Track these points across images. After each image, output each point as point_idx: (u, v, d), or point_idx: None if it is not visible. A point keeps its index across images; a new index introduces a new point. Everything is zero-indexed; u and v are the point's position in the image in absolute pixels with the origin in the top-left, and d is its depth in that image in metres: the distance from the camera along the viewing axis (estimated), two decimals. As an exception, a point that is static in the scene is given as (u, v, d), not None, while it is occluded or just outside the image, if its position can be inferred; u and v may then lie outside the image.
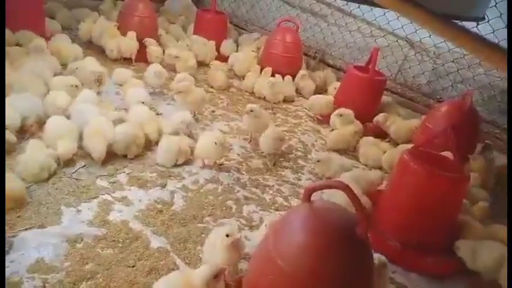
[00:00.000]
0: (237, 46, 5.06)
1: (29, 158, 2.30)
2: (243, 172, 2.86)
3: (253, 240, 2.15)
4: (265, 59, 4.58)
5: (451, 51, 4.05)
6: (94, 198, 2.29)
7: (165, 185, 2.54)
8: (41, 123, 2.69)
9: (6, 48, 3.49)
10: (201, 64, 4.45)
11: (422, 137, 3.20)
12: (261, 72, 4.35)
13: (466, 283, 2.24)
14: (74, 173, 2.45)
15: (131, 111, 2.98)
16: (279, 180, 2.87)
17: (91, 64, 3.50)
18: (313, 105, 3.91)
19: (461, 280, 2.25)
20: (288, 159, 3.16)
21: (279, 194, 2.71)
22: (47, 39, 3.82)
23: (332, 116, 3.61)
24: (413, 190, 2.27)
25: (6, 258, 1.81)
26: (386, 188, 2.51)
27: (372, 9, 4.46)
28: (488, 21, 2.99)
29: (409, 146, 2.84)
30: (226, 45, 4.89)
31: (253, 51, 4.70)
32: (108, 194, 2.35)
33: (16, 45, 3.63)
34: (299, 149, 3.36)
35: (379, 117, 3.63)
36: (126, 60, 4.22)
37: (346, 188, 1.45)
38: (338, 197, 2.11)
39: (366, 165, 3.26)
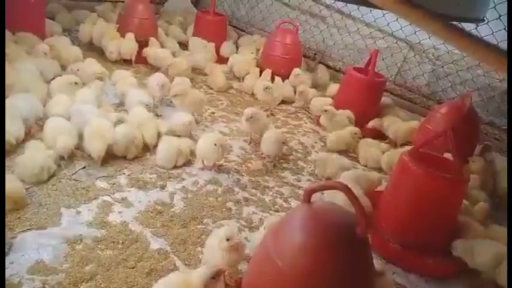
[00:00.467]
0: (237, 48, 5.07)
1: (29, 159, 2.30)
2: (243, 173, 2.86)
3: (252, 242, 2.15)
4: (265, 60, 4.59)
5: (450, 53, 4.06)
6: (94, 199, 2.29)
7: (165, 186, 2.54)
8: (40, 124, 2.69)
9: (6, 49, 3.51)
10: (195, 69, 4.42)
11: (421, 138, 3.21)
12: (260, 75, 4.35)
13: (466, 284, 2.24)
14: (73, 174, 2.45)
15: (131, 112, 2.99)
16: (279, 181, 2.87)
17: (92, 65, 3.50)
18: (314, 107, 3.91)
19: (461, 281, 2.25)
20: (287, 160, 3.16)
21: (278, 196, 2.71)
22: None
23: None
24: (412, 191, 2.27)
25: (5, 259, 1.81)
26: (386, 189, 2.52)
27: (371, 11, 4.47)
28: (487, 23, 3.00)
29: (409, 147, 2.85)
30: (226, 47, 4.90)
31: (252, 53, 4.71)
32: (107, 195, 2.35)
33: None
34: (299, 150, 3.36)
35: (374, 122, 3.65)
36: (126, 62, 4.23)
37: (345, 189, 1.45)
38: (338, 198, 2.11)
39: (365, 166, 3.26)
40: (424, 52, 4.32)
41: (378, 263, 1.77)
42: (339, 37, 4.98)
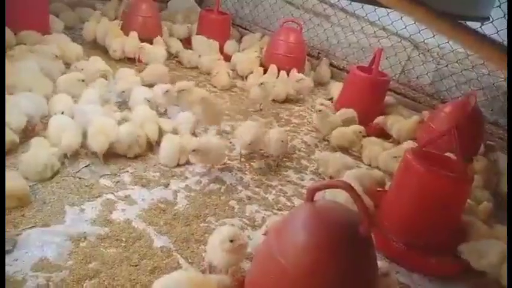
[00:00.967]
0: (240, 46, 5.07)
1: (32, 156, 2.30)
2: (246, 172, 2.86)
3: (255, 240, 2.15)
4: (268, 59, 4.58)
5: (454, 52, 4.05)
6: (97, 197, 2.30)
7: (168, 184, 2.55)
8: (45, 122, 2.70)
9: (10, 48, 3.53)
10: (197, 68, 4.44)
11: (425, 137, 3.20)
12: (264, 73, 4.34)
13: (470, 284, 2.23)
14: (77, 172, 2.46)
15: (134, 111, 2.99)
16: (282, 180, 2.87)
17: (96, 63, 3.52)
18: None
19: (465, 281, 2.24)
20: (291, 159, 3.15)
21: (282, 194, 2.71)
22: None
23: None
24: (416, 190, 2.26)
25: (10, 256, 1.82)
26: (390, 188, 2.51)
27: (375, 10, 4.46)
28: (492, 22, 2.98)
29: (412, 145, 2.85)
30: (230, 46, 4.90)
31: (255, 51, 4.71)
32: (111, 193, 2.35)
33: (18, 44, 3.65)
34: (302, 149, 3.36)
35: (378, 120, 3.65)
36: (129, 60, 4.24)
37: (348, 188, 1.44)
38: (340, 197, 2.11)
39: (369, 165, 3.25)
40: (428, 51, 4.31)
41: (381, 262, 1.76)
42: (342, 36, 4.98)
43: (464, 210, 2.40)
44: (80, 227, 2.05)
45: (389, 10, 3.84)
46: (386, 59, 4.36)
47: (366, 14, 4.66)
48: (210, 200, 2.50)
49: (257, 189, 2.70)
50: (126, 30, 4.32)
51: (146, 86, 3.40)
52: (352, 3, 4.67)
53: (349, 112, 3.61)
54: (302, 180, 2.93)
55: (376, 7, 4.16)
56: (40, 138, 2.49)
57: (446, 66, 4.17)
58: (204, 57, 4.48)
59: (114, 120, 2.72)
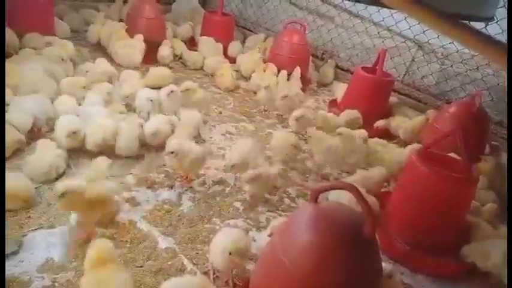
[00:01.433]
0: (244, 47, 5.08)
1: (38, 158, 2.32)
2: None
3: (260, 241, 2.16)
4: (272, 60, 4.58)
5: (459, 52, 4.03)
6: (103, 198, 2.31)
7: (173, 186, 2.55)
8: (51, 124, 2.71)
9: (14, 51, 3.56)
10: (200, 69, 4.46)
11: (430, 137, 3.18)
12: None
13: (475, 284, 2.22)
14: (82, 174, 2.47)
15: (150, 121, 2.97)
16: (286, 181, 2.87)
17: (101, 66, 3.54)
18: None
19: (469, 281, 2.23)
20: (295, 160, 3.14)
21: (286, 195, 2.71)
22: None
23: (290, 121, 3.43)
24: (421, 191, 2.25)
25: (15, 258, 1.83)
26: (394, 189, 2.50)
27: (379, 10, 4.45)
28: (497, 22, 2.97)
29: (417, 146, 2.84)
30: (233, 47, 4.91)
31: (258, 51, 4.71)
32: (116, 194, 2.36)
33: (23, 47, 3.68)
34: (306, 150, 3.35)
35: (380, 123, 3.65)
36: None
37: (352, 189, 1.44)
38: (343, 197, 2.11)
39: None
40: (432, 51, 4.29)
41: (385, 264, 1.76)
42: (346, 37, 4.97)
43: (469, 211, 2.39)
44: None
45: (393, 11, 3.83)
46: (391, 59, 4.35)
47: (370, 15, 4.66)
48: (215, 201, 2.50)
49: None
50: (130, 32, 4.33)
51: (151, 88, 3.41)
52: (356, 4, 4.67)
53: (353, 113, 3.60)
54: (306, 181, 2.92)
55: (380, 8, 4.15)
56: (46, 140, 2.50)
57: (451, 66, 4.15)
58: (209, 58, 4.49)
59: (114, 121, 2.73)
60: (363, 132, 3.30)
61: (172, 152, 2.43)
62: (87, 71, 3.42)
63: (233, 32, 5.22)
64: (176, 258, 2.00)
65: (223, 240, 1.81)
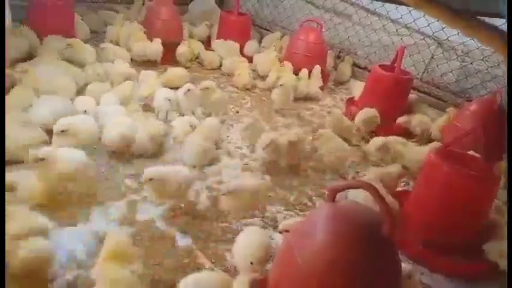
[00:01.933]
0: (260, 47, 5.09)
1: (60, 156, 2.37)
2: (267, 172, 2.86)
3: (277, 240, 2.16)
4: (288, 59, 4.57)
5: (480, 49, 3.95)
6: (122, 197, 2.35)
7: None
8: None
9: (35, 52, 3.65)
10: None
11: (450, 136, 3.13)
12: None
13: (495, 284, 2.18)
14: (103, 172, 2.52)
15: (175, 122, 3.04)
16: (304, 180, 2.86)
17: (120, 66, 3.60)
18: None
19: (490, 281, 2.19)
20: (312, 159, 3.13)
21: (303, 194, 2.70)
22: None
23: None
24: (441, 190, 2.22)
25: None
26: (413, 188, 2.47)
27: (397, 8, 4.40)
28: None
29: (437, 145, 2.79)
30: (250, 46, 4.92)
31: (275, 49, 4.72)
32: (135, 193, 2.40)
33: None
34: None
35: (401, 120, 3.61)
36: (151, 63, 4.29)
37: (370, 188, 1.43)
38: (360, 196, 2.09)
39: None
40: (452, 48, 4.22)
41: (405, 264, 1.74)
42: (364, 34, 4.93)
43: (490, 210, 2.34)
44: (105, 226, 2.11)
45: (411, 8, 3.77)
46: (409, 57, 4.29)
47: (388, 12, 4.60)
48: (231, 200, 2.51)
49: (278, 190, 2.70)
50: (147, 33, 4.39)
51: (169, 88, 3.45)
52: (373, 2, 4.63)
53: (371, 111, 3.57)
54: (323, 180, 2.91)
55: (398, 5, 4.11)
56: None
57: (472, 63, 4.07)
58: (227, 58, 4.52)
59: (131, 120, 2.79)
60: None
61: (151, 179, 2.14)
62: (98, 74, 3.50)
63: (249, 32, 5.23)
64: (193, 256, 2.03)
65: (246, 247, 1.83)
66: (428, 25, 4.18)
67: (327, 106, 4.20)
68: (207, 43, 4.99)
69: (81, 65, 3.62)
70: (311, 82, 4.25)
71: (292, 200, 2.63)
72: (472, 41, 3.90)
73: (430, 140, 3.38)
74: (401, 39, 4.50)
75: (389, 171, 2.72)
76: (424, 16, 4.07)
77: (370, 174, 2.65)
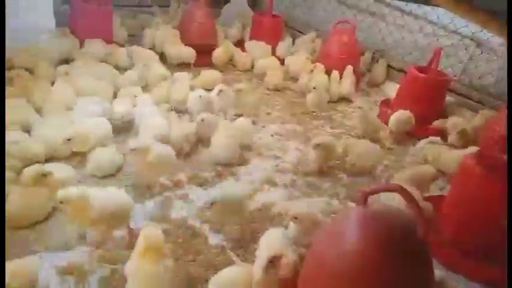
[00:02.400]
0: (293, 48, 5.10)
1: (99, 153, 2.50)
2: (299, 174, 2.87)
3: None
4: (321, 60, 4.54)
5: (522, 50, 3.79)
6: (157, 195, 2.43)
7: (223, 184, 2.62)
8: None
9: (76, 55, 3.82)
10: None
11: (488, 139, 3.02)
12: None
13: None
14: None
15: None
16: (335, 183, 2.85)
17: (156, 69, 3.71)
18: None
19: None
20: (344, 161, 3.11)
21: (335, 197, 2.69)
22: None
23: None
24: (476, 196, 2.15)
25: (78, 248, 1.97)
26: (448, 193, 2.41)
27: (433, 8, 4.29)
28: None
29: (474, 149, 2.71)
30: (282, 48, 4.94)
31: (307, 53, 4.72)
32: (169, 191, 2.47)
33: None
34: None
35: (437, 124, 3.54)
36: (185, 64, 4.38)
37: (402, 191, 1.42)
38: (393, 199, 2.06)
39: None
40: (492, 49, 4.07)
41: (438, 271, 1.71)
42: (399, 35, 4.84)
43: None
44: (141, 222, 2.18)
45: (449, 7, 3.68)
46: (446, 58, 4.18)
47: (424, 13, 4.50)
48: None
49: (310, 191, 2.70)
50: (182, 36, 4.49)
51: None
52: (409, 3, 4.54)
53: (405, 113, 3.50)
54: (355, 183, 2.88)
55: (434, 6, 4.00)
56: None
57: (513, 64, 3.91)
58: (259, 60, 4.55)
59: (166, 121, 2.88)
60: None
61: (134, 149, 2.35)
62: (144, 64, 3.65)
63: (282, 33, 5.24)
64: (225, 254, 2.06)
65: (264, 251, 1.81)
66: (466, 25, 4.05)
67: (359, 108, 4.15)
68: (240, 45, 5.05)
69: (118, 68, 3.77)
70: (342, 82, 4.22)
71: (323, 202, 2.62)
72: (514, 41, 3.75)
73: (466, 144, 3.27)
74: (438, 40, 4.39)
75: (422, 173, 2.67)
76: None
77: (402, 176, 2.60)
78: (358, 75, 4.46)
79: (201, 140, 2.99)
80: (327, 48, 4.56)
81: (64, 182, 2.16)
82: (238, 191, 2.34)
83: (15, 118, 2.60)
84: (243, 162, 2.89)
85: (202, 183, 2.60)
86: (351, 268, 1.42)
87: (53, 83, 3.22)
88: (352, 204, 2.62)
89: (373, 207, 1.56)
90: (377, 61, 4.81)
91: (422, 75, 3.66)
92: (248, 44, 4.90)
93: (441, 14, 4.26)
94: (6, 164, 2.19)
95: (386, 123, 3.54)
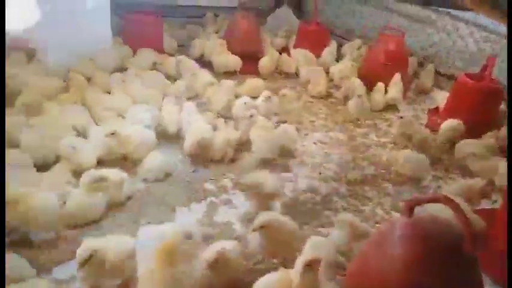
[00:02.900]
0: (338, 56, 5.07)
1: (150, 159, 2.63)
2: (342, 183, 2.86)
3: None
4: (367, 68, 4.50)
5: None
6: (202, 200, 2.51)
7: (266, 191, 2.66)
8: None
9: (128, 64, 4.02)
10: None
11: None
12: (371, 89, 4.22)
13: None
14: (186, 175, 2.72)
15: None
16: (380, 192, 2.80)
17: (203, 76, 3.84)
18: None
19: None
20: (389, 171, 3.05)
21: (379, 207, 2.65)
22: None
23: None
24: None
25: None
26: (501, 205, 2.31)
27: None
28: None
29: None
30: (327, 56, 4.93)
31: (352, 60, 4.68)
32: (214, 196, 2.55)
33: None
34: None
35: (490, 134, 3.35)
36: (231, 73, 4.48)
37: (449, 202, 1.39)
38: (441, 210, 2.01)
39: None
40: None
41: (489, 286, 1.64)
42: (449, 41, 4.69)
43: None
44: (188, 225, 2.25)
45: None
46: (500, 64, 3.99)
47: (475, 17, 4.33)
48: (305, 208, 2.55)
49: (353, 201, 2.68)
50: (229, 45, 4.60)
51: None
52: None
53: (454, 121, 3.38)
54: (400, 193, 2.82)
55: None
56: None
57: None
58: (304, 67, 4.58)
59: (209, 126, 2.99)
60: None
61: (112, 134, 2.56)
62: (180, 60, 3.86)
63: (327, 41, 5.23)
64: (268, 260, 2.09)
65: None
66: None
67: (406, 117, 4.05)
68: (285, 53, 5.09)
69: (168, 77, 3.94)
70: (390, 89, 4.14)
71: (367, 211, 2.59)
72: None
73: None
74: (491, 46, 4.21)
75: (471, 184, 2.57)
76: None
77: (451, 188, 2.52)
78: (406, 83, 4.36)
79: (244, 145, 3.04)
80: (373, 56, 4.50)
81: (118, 185, 2.29)
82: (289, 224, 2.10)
83: (72, 123, 2.80)
84: (286, 168, 2.91)
85: (245, 189, 2.64)
86: (394, 281, 1.41)
87: (107, 91, 3.42)
88: (397, 215, 2.57)
89: (417, 217, 1.54)
90: (425, 68, 4.68)
91: (475, 83, 3.52)
92: (293, 52, 4.94)
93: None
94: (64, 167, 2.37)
95: (435, 132, 3.44)
